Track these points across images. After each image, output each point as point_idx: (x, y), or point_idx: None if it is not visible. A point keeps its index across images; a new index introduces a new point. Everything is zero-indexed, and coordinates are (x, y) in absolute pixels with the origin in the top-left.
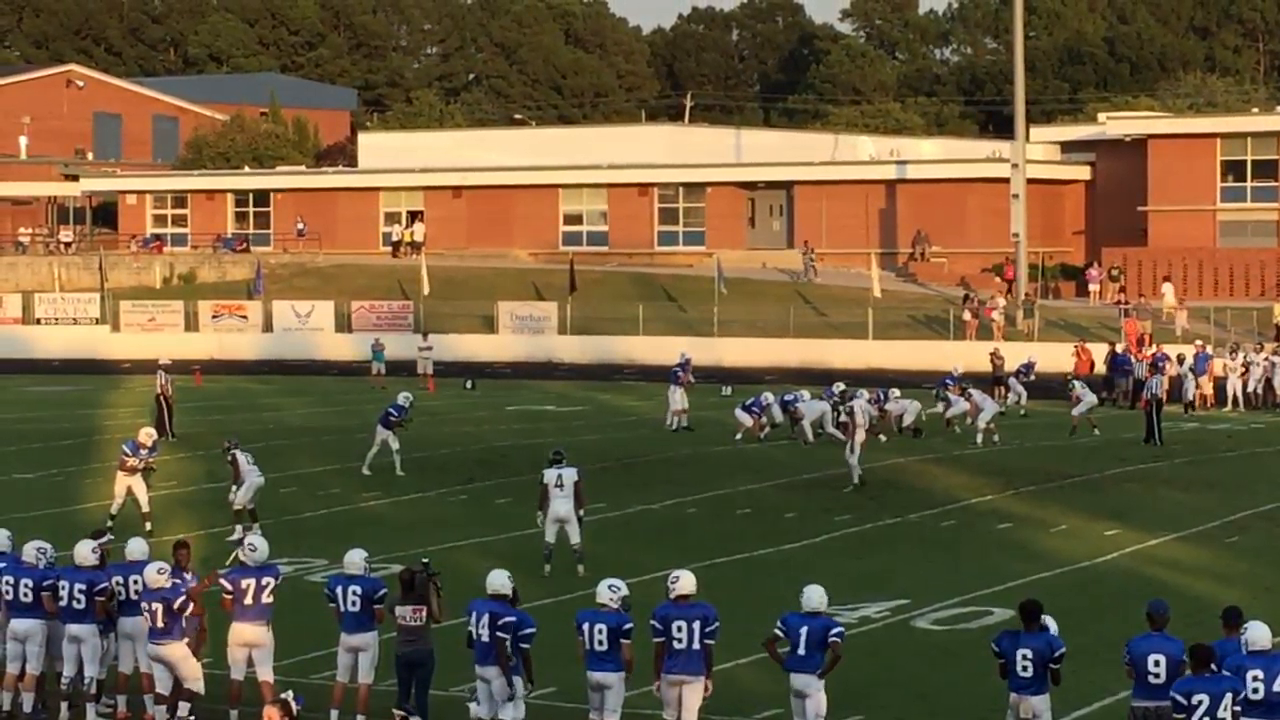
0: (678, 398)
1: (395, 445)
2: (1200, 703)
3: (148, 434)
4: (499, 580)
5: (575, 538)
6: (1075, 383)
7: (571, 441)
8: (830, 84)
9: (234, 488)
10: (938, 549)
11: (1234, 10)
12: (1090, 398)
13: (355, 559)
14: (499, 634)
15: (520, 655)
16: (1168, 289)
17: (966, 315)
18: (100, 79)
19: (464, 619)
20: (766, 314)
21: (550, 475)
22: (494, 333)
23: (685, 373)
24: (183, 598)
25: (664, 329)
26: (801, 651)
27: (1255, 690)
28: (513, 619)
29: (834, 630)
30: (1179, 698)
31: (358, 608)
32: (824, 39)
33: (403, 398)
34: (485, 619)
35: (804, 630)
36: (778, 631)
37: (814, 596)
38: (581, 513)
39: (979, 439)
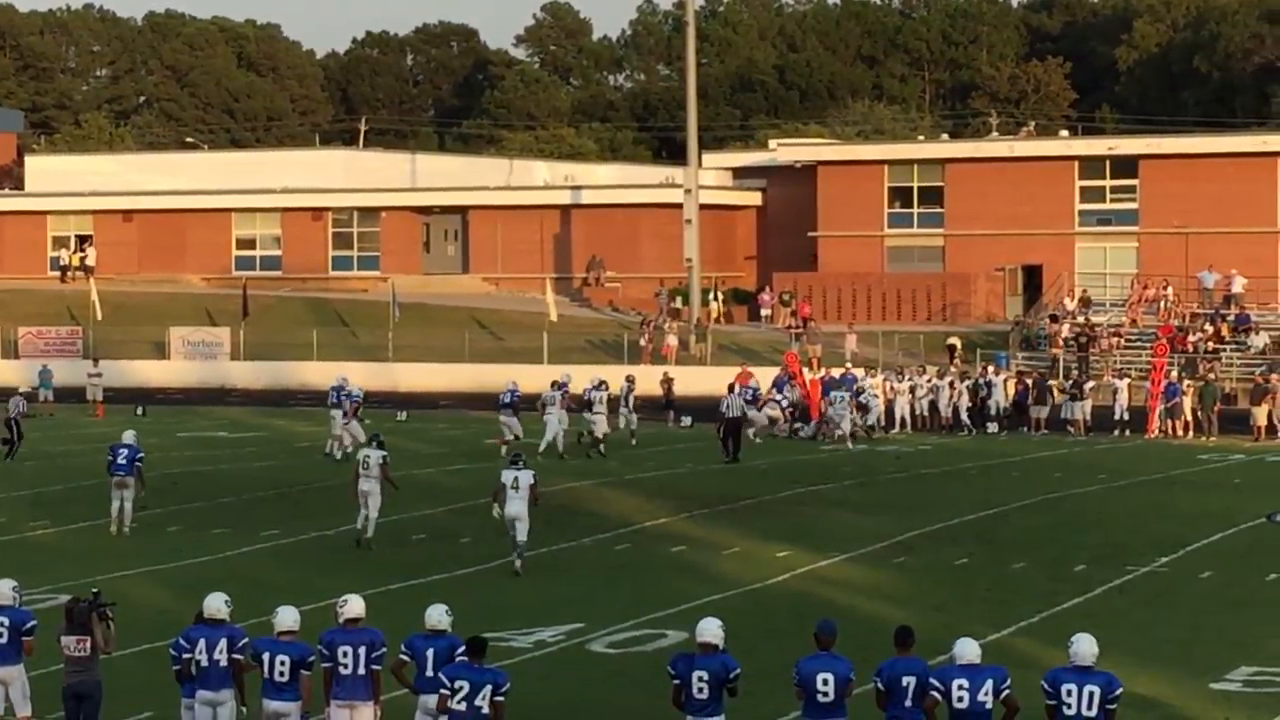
0: (340, 423)
1: (129, 504)
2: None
3: None
4: (437, 615)
5: (522, 535)
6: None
7: (245, 468)
8: (505, 109)
9: None
10: (613, 572)
11: (900, 40)
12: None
13: (4, 589)
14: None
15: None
16: (712, 302)
17: (643, 340)
18: None
19: (176, 650)
20: (442, 339)
21: (508, 476)
22: (165, 359)
23: (349, 400)
24: None
25: (339, 354)
26: (430, 673)
27: (960, 700)
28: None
29: (460, 649)
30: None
31: (5, 639)
32: (499, 64)
33: (129, 435)
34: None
35: (430, 651)
36: (403, 655)
37: (433, 616)
38: (539, 503)
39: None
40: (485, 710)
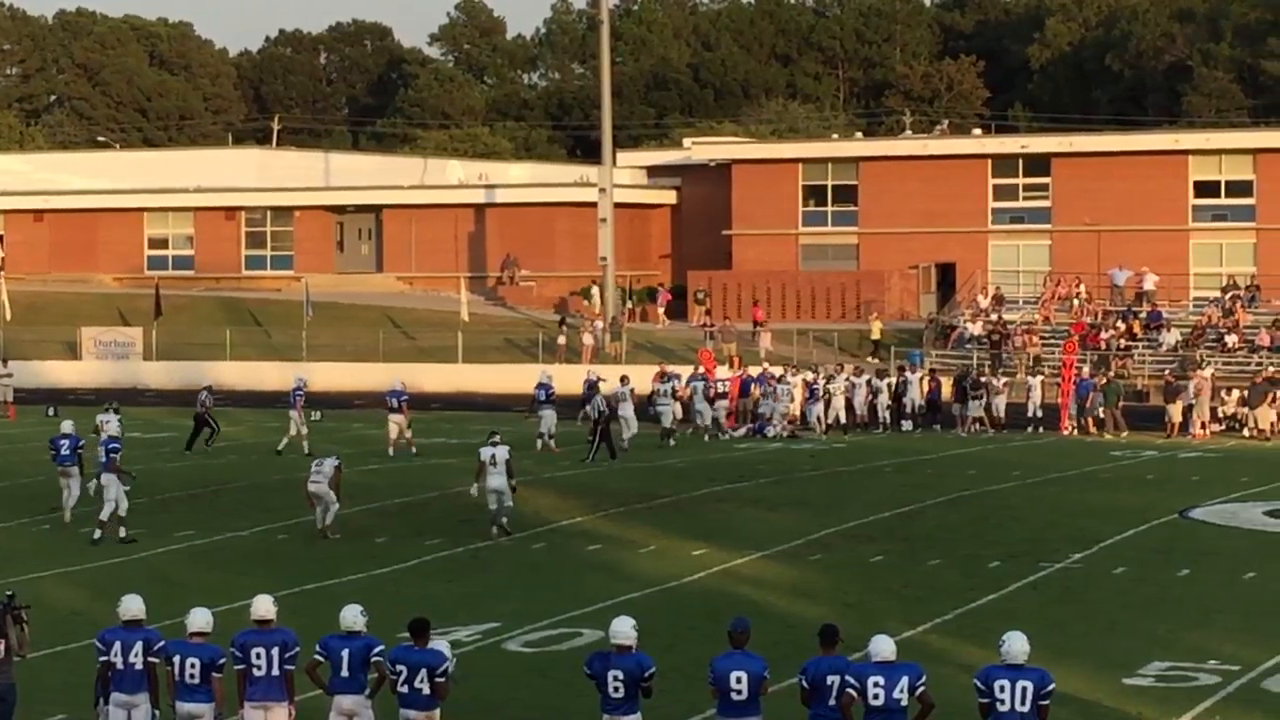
0: (298, 422)
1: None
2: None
3: None
4: (351, 616)
5: (507, 502)
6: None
7: (160, 468)
8: (419, 108)
9: None
10: (529, 571)
11: (814, 39)
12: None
13: None
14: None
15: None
16: (595, 292)
17: (562, 339)
18: None
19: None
20: (356, 338)
21: (486, 453)
22: (77, 359)
23: (395, 399)
24: None
25: (252, 354)
26: (345, 674)
27: (876, 697)
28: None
29: (375, 649)
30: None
31: None
32: (413, 63)
33: (68, 425)
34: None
35: (345, 652)
36: (318, 656)
37: (347, 617)
38: (514, 483)
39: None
40: (426, 691)
